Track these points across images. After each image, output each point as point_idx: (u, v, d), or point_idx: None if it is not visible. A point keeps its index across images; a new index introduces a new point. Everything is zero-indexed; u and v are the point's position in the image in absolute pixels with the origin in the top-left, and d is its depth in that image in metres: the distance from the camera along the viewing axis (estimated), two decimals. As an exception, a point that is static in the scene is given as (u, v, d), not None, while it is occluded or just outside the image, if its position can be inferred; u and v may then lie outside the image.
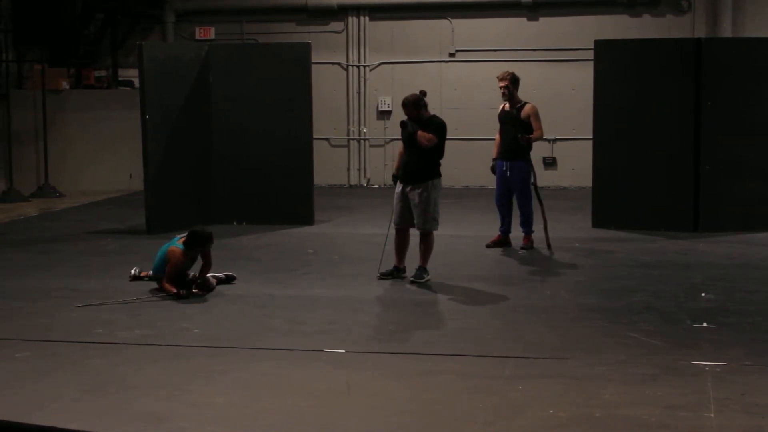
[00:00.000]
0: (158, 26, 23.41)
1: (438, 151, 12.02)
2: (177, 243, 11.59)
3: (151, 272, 11.99)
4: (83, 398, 7.89)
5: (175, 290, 11.30)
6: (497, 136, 14.44)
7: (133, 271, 12.27)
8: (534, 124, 14.08)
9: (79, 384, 8.22)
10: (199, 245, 11.58)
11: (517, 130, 14.00)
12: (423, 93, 12.13)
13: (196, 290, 11.39)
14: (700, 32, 20.71)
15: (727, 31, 20.63)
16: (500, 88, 14.17)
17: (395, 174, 12.36)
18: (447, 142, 12.19)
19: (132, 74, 21.51)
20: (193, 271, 11.73)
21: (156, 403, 7.79)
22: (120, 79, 23.19)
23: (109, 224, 16.91)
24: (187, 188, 16.25)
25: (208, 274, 11.64)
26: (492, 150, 14.57)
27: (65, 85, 21.90)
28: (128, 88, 22.39)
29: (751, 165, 15.74)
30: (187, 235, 11.58)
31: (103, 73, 23.04)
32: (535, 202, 14.29)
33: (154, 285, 11.78)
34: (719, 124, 15.62)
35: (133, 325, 10.12)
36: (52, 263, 13.61)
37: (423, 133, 11.84)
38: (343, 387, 8.24)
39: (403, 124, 12.07)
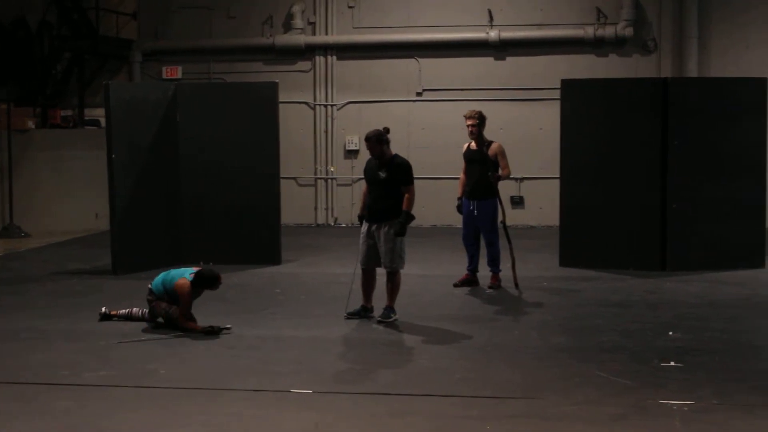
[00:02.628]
0: (125, 66, 23.42)
1: (398, 190, 12.04)
2: (188, 276, 11.65)
3: (136, 311, 12.11)
4: (49, 441, 7.86)
5: (199, 327, 11.50)
6: (462, 175, 14.46)
7: (103, 310, 12.23)
8: (501, 163, 14.11)
9: (46, 428, 8.17)
10: (206, 286, 11.73)
11: (485, 168, 14.05)
12: (386, 129, 12.17)
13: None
14: (666, 72, 20.89)
15: (692, 71, 20.82)
16: (468, 126, 14.18)
17: (361, 215, 12.39)
18: (416, 181, 12.20)
19: (99, 114, 21.47)
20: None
21: (123, 445, 7.77)
22: (87, 118, 23.14)
23: (75, 264, 16.84)
24: (154, 228, 16.20)
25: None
26: (457, 189, 14.60)
27: (31, 124, 21.83)
28: (95, 128, 22.33)
29: (716, 204, 15.82)
30: (196, 274, 11.66)
31: (69, 112, 22.98)
32: (503, 241, 14.33)
33: (124, 324, 11.77)
34: (685, 163, 15.73)
35: (100, 366, 10.06)
36: (19, 304, 13.52)
37: (407, 207, 11.93)
38: (312, 428, 8.21)
39: (402, 232, 12.05)
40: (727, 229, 15.85)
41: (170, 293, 11.71)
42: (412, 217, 12.04)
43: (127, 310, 12.17)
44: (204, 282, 11.68)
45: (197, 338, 11.23)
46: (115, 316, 12.17)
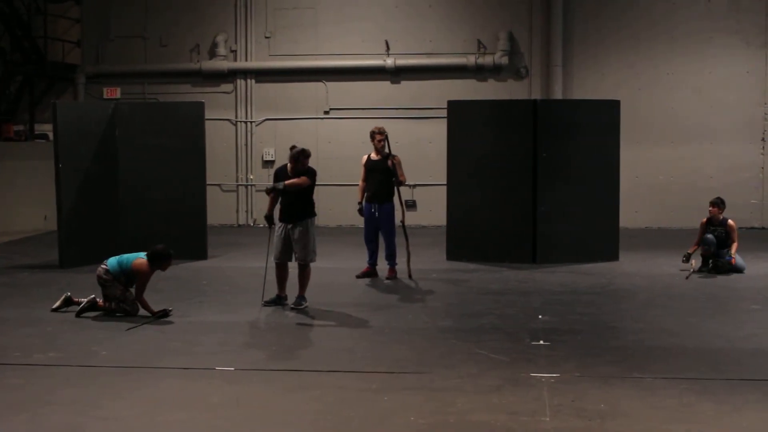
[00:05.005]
0: (71, 87, 23.06)
1: (311, 192, 12.10)
2: (143, 256, 11.50)
3: (98, 305, 11.74)
4: (2, 415, 7.72)
5: (154, 311, 11.38)
6: (361, 183, 14.48)
7: (68, 294, 11.92)
8: (399, 171, 14.18)
9: (-1, 402, 8.05)
10: (161, 261, 11.57)
11: (388, 176, 14.11)
12: (293, 147, 12.23)
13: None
14: (536, 95, 21.10)
15: (558, 94, 21.04)
16: (379, 141, 14.21)
17: (267, 215, 12.31)
18: (324, 187, 12.25)
19: (47, 129, 21.13)
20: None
21: (70, 417, 7.67)
22: (36, 133, 22.76)
23: (26, 260, 16.52)
24: (95, 228, 15.95)
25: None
26: (357, 195, 14.62)
27: (-13, 138, 21.43)
28: (44, 141, 21.95)
29: (577, 207, 15.99)
30: (152, 253, 11.50)
31: (21, 127, 22.63)
32: (400, 238, 14.38)
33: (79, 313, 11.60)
34: (552, 172, 15.89)
35: (48, 348, 9.91)
36: (-25, 295, 13.27)
37: (290, 182, 11.91)
38: (234, 400, 8.17)
39: (268, 190, 12.05)
40: (587, 227, 16.04)
41: (127, 273, 11.54)
42: (280, 190, 11.88)
43: (87, 299, 11.94)
44: (159, 257, 11.49)
45: (131, 321, 11.10)
46: (77, 303, 11.89)
